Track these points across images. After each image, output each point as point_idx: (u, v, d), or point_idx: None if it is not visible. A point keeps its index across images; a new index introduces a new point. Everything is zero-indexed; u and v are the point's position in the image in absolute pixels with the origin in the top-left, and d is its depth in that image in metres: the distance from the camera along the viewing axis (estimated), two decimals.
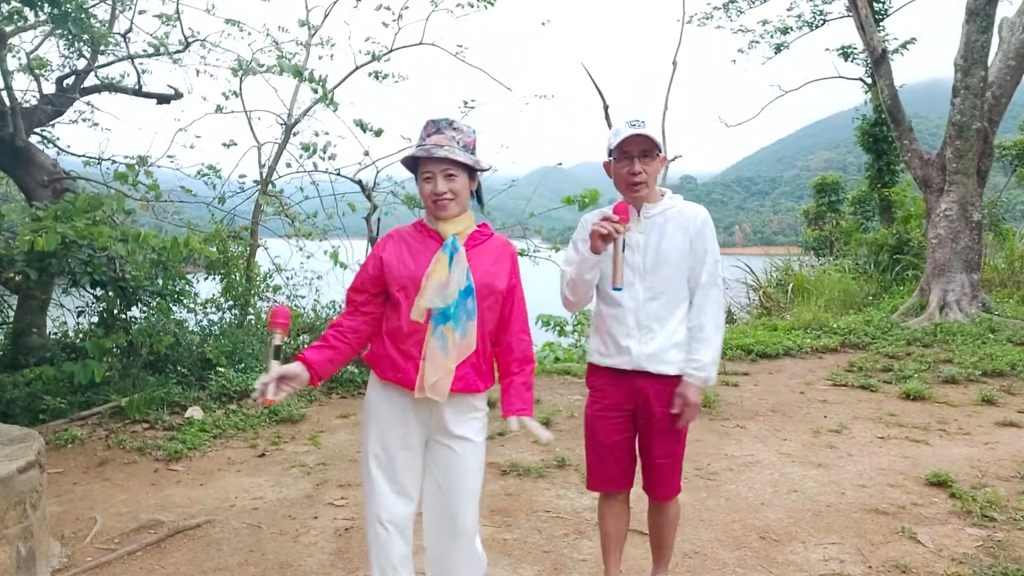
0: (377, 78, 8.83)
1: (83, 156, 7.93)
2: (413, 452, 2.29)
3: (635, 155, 2.47)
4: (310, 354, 2.24)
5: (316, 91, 7.74)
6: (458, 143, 2.19)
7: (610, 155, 2.55)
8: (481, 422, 2.33)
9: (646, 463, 2.60)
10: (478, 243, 2.28)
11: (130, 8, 7.78)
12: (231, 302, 7.40)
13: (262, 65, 8.05)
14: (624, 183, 2.50)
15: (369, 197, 8.27)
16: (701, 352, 2.48)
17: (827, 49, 16.41)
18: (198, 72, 8.52)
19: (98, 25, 6.57)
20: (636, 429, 2.60)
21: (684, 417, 2.48)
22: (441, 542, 2.29)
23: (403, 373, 2.20)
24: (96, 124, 8.50)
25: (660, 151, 2.51)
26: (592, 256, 2.40)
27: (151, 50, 7.85)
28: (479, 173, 2.29)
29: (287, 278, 8.56)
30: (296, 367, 2.20)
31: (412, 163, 2.25)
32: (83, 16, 5.67)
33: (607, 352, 2.55)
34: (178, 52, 8.05)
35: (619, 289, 2.33)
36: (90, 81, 7.76)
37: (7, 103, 6.26)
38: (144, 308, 5.98)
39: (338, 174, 8.46)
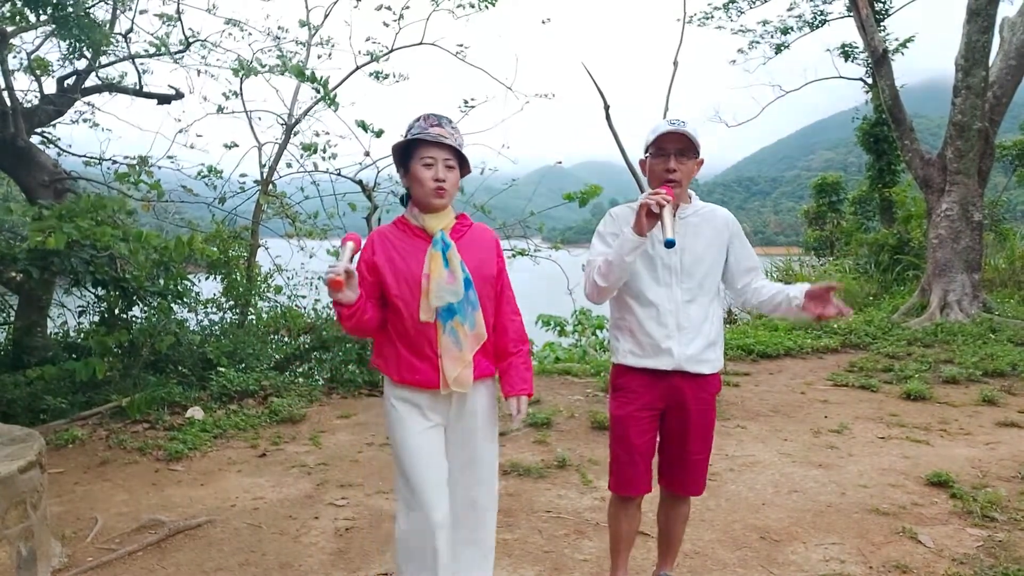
0: (378, 78, 8.83)
1: (84, 156, 7.93)
2: (440, 447, 2.33)
3: (671, 152, 2.45)
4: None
5: (318, 91, 7.74)
6: (457, 141, 2.24)
7: (646, 152, 2.53)
8: (495, 405, 2.40)
9: (682, 459, 2.59)
10: (462, 234, 2.32)
11: (130, 8, 7.79)
12: (232, 302, 7.40)
13: (264, 65, 8.05)
14: (659, 180, 2.47)
15: (370, 197, 8.27)
16: (780, 286, 2.54)
17: (827, 49, 16.42)
18: (199, 72, 8.53)
19: (99, 25, 6.56)
20: (659, 430, 2.60)
21: (831, 307, 2.40)
22: (467, 524, 2.36)
23: (421, 374, 2.24)
24: (97, 124, 8.50)
25: (698, 153, 2.49)
26: (635, 237, 2.32)
27: (152, 50, 7.86)
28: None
29: (288, 278, 8.55)
30: (355, 277, 2.13)
31: (406, 149, 2.25)
32: (85, 18, 5.67)
33: (643, 353, 2.52)
34: (179, 52, 8.06)
35: (671, 242, 2.21)
36: (91, 81, 7.77)
37: (8, 103, 6.27)
38: (145, 308, 5.98)
39: (339, 174, 8.46)
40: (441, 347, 2.22)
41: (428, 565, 2.25)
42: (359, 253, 2.24)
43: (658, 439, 2.63)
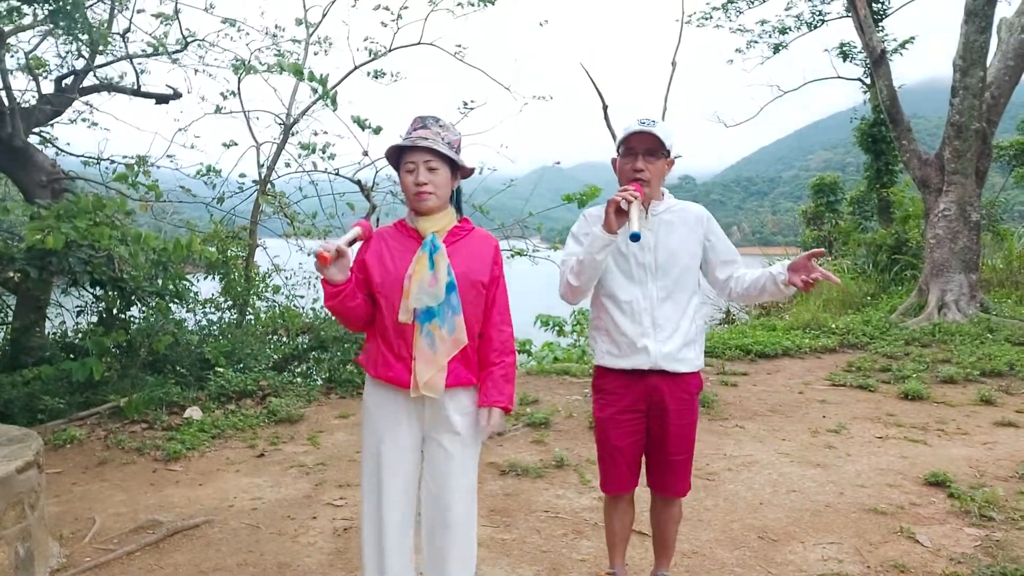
0: (376, 77, 8.83)
1: (82, 156, 7.92)
2: (410, 451, 2.30)
3: (639, 152, 2.45)
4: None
5: (316, 90, 7.73)
6: (443, 139, 2.22)
7: (617, 150, 2.54)
8: (474, 416, 2.33)
9: (661, 461, 2.58)
10: (458, 238, 2.30)
11: (128, 7, 7.78)
12: (230, 302, 7.39)
13: (263, 64, 8.04)
14: (626, 179, 2.47)
15: (368, 197, 8.26)
16: (762, 269, 2.52)
17: (826, 49, 16.47)
18: (196, 72, 8.53)
19: (96, 24, 6.54)
20: (645, 429, 2.59)
21: (815, 273, 2.34)
22: (437, 538, 2.31)
23: (394, 372, 2.23)
24: (95, 124, 8.49)
25: (667, 152, 2.48)
26: (604, 235, 2.34)
27: (150, 50, 7.85)
28: (459, 177, 2.33)
29: (286, 278, 8.55)
30: (348, 259, 2.15)
31: (396, 156, 2.26)
32: (81, 14, 5.65)
33: (620, 354, 2.52)
34: (176, 52, 8.05)
35: (636, 236, 2.21)
36: (89, 81, 7.75)
37: (6, 103, 6.25)
38: (143, 308, 5.98)
39: (337, 174, 8.46)
40: (416, 349, 2.20)
41: (378, 564, 2.26)
42: (360, 242, 2.27)
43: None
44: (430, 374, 2.19)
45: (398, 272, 2.21)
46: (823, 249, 2.39)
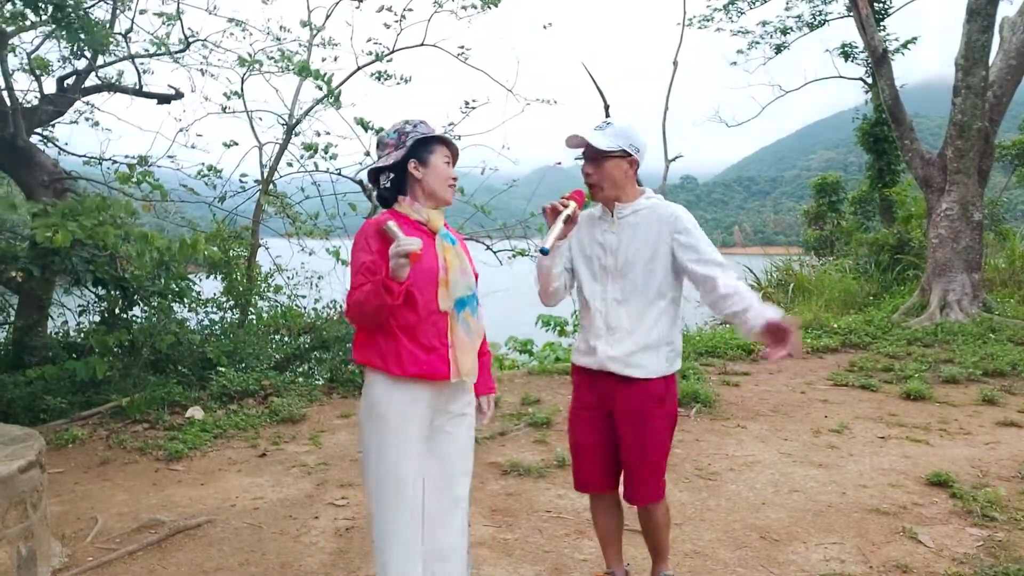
0: (379, 79, 8.82)
1: (84, 156, 7.93)
2: (423, 440, 2.32)
3: (588, 156, 2.48)
4: None
5: (321, 88, 7.73)
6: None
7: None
8: (474, 402, 2.47)
9: (623, 466, 2.57)
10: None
11: (130, 8, 7.78)
12: (232, 302, 7.40)
13: (270, 57, 8.04)
14: (587, 183, 2.54)
15: (370, 197, 8.27)
16: (748, 301, 2.28)
17: (827, 49, 16.45)
18: (203, 72, 8.52)
19: (98, 26, 6.54)
20: (611, 431, 2.57)
21: (784, 349, 2.17)
22: (442, 516, 2.35)
23: (427, 365, 2.21)
24: (97, 124, 8.49)
25: (623, 153, 2.43)
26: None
27: (152, 50, 7.85)
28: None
29: (288, 278, 8.56)
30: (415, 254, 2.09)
31: (424, 144, 2.30)
32: (85, 20, 5.65)
33: (581, 351, 2.58)
34: (179, 52, 8.05)
35: (544, 251, 2.34)
36: (91, 81, 7.75)
37: (8, 103, 6.26)
38: (145, 307, 5.98)
39: (339, 174, 8.47)
40: (455, 337, 2.25)
41: (407, 558, 2.24)
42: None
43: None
44: (470, 361, 2.28)
45: (425, 264, 2.20)
46: (799, 319, 2.31)
